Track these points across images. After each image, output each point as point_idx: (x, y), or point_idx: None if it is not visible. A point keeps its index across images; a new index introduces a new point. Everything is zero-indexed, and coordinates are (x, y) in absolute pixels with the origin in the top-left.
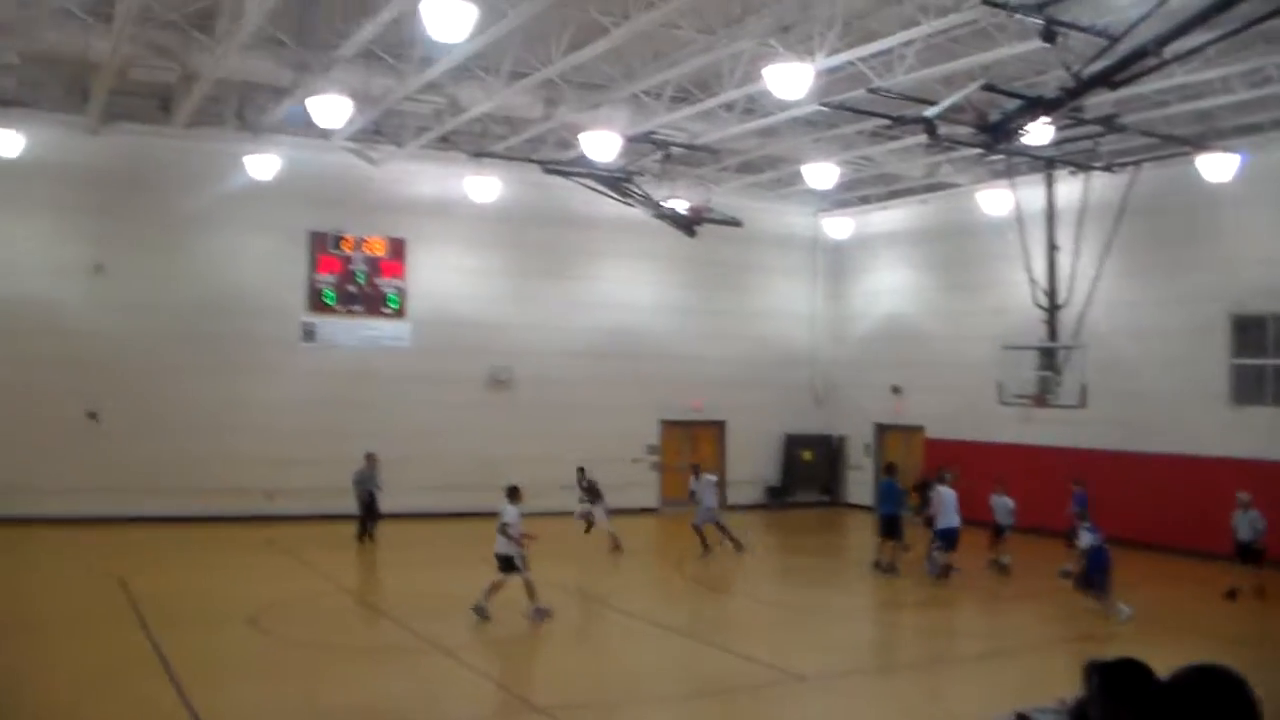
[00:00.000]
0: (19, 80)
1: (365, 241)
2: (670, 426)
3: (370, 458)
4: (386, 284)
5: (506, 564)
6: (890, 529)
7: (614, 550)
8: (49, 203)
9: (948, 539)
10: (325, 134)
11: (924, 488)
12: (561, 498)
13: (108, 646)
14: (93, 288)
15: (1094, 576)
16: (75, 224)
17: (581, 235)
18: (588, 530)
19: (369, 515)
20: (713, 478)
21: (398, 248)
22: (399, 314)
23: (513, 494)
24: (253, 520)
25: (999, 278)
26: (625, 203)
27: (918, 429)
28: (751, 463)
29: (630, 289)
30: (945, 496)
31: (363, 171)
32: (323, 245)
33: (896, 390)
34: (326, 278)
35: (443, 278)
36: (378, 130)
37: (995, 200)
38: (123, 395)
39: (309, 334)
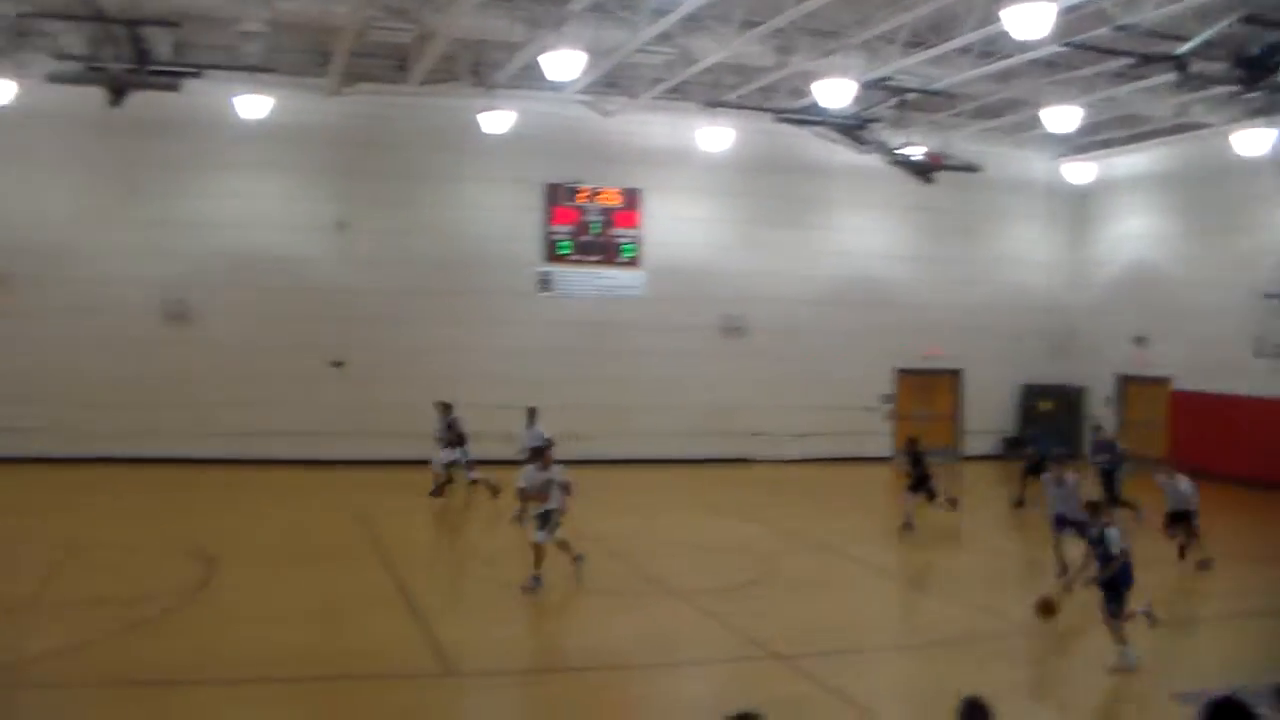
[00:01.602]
0: (265, 47)
1: (600, 192)
2: (905, 375)
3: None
4: (621, 234)
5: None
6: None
7: (495, 496)
8: (293, 163)
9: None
10: (558, 87)
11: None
12: (796, 446)
13: (354, 581)
14: (335, 244)
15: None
16: (318, 183)
17: (815, 183)
18: (441, 489)
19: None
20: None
21: (632, 198)
22: (633, 263)
23: (535, 454)
24: (490, 464)
25: (1254, 222)
26: (859, 150)
27: (1164, 380)
28: (988, 413)
29: (865, 237)
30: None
31: (596, 123)
32: (558, 197)
33: (1140, 341)
34: (562, 229)
35: (677, 227)
36: (610, 82)
37: (1252, 140)
38: (363, 346)
39: (545, 284)
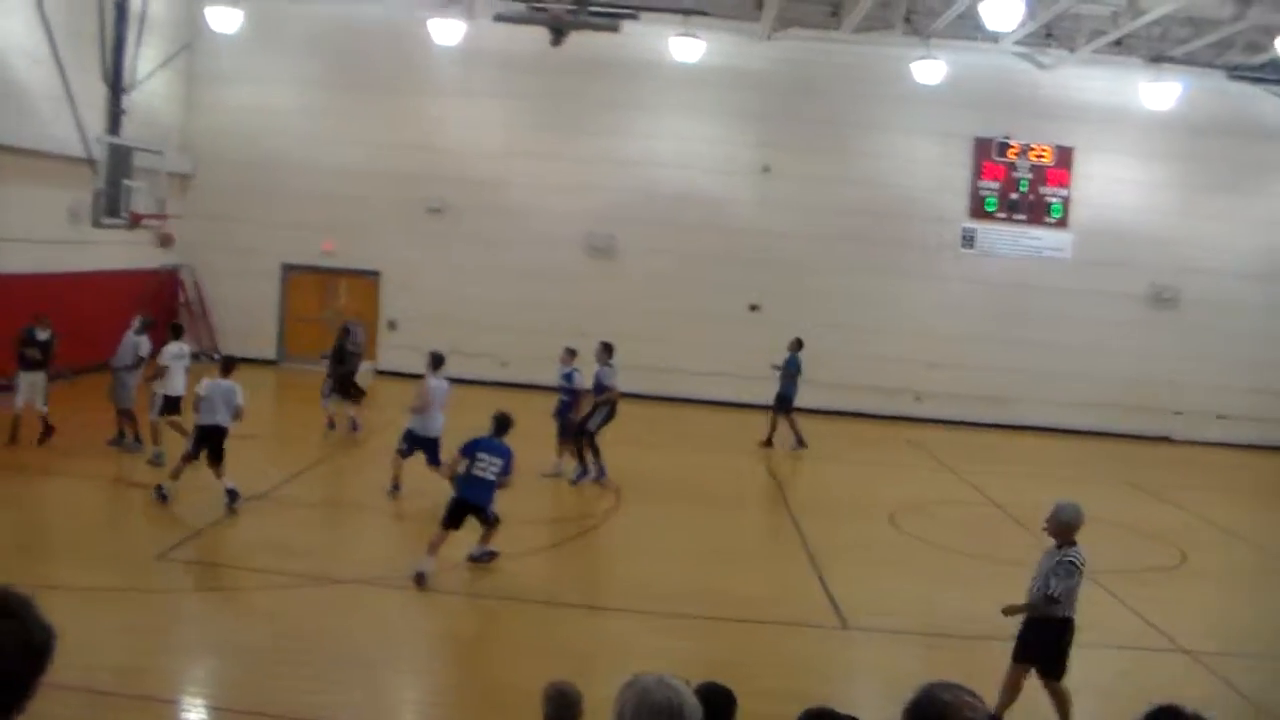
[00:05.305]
0: None
1: (1031, 149)
2: None
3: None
4: (1050, 193)
5: None
6: None
7: None
8: (721, 106)
9: None
10: (994, 37)
11: None
12: (1218, 428)
13: (757, 524)
14: (758, 188)
15: None
16: (744, 127)
17: (1267, 147)
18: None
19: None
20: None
21: (1064, 156)
22: (1061, 224)
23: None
24: (896, 420)
25: None
26: None
27: None
28: None
29: None
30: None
31: (1030, 77)
32: (987, 152)
33: None
34: (989, 184)
35: (1108, 189)
36: (1049, 33)
37: None
38: (779, 291)
39: (969, 240)
